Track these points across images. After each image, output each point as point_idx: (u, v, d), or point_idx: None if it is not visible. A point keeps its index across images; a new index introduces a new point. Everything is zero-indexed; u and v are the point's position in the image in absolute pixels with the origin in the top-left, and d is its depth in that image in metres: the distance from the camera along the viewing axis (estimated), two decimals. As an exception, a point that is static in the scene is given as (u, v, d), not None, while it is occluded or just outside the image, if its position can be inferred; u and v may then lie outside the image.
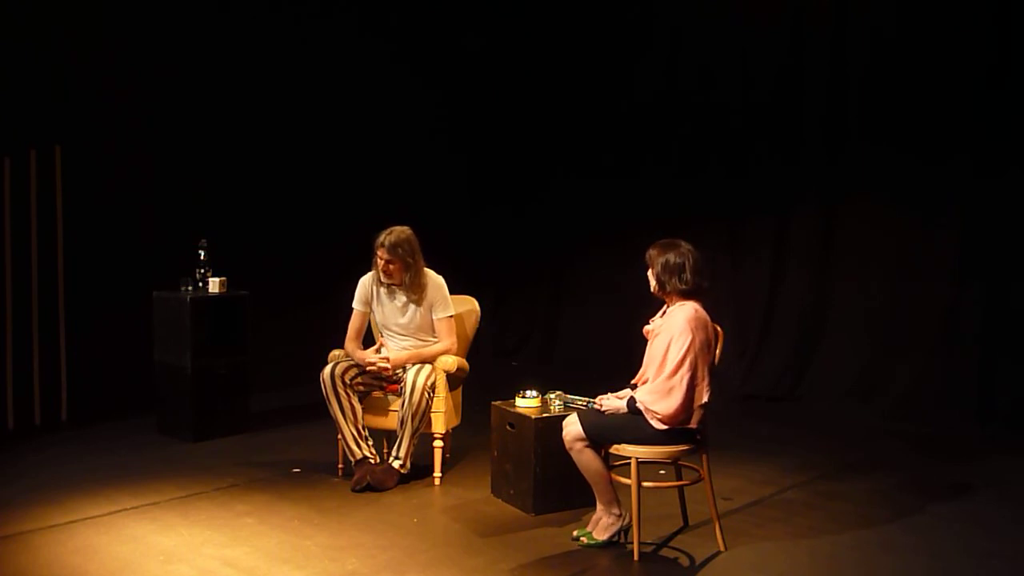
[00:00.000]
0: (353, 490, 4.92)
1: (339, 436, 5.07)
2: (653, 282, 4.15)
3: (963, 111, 6.37)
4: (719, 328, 4.19)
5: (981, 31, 6.28)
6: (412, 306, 5.14)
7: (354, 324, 5.24)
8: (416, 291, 5.12)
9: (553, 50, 8.52)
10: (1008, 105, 6.18)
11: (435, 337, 5.18)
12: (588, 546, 4.20)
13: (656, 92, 7.83)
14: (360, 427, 5.05)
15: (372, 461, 5.04)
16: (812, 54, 7.03)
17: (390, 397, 5.11)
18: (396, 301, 5.16)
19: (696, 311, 4.06)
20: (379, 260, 5.06)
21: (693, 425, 4.06)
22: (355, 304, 5.26)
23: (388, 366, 5.06)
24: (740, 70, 7.38)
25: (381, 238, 5.06)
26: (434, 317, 5.16)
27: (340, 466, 5.23)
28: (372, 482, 4.93)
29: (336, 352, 5.26)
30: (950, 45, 6.38)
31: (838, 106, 6.92)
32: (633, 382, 4.23)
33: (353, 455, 5.04)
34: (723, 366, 4.26)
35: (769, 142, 7.25)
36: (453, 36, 8.80)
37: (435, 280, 5.19)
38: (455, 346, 5.18)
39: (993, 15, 6.23)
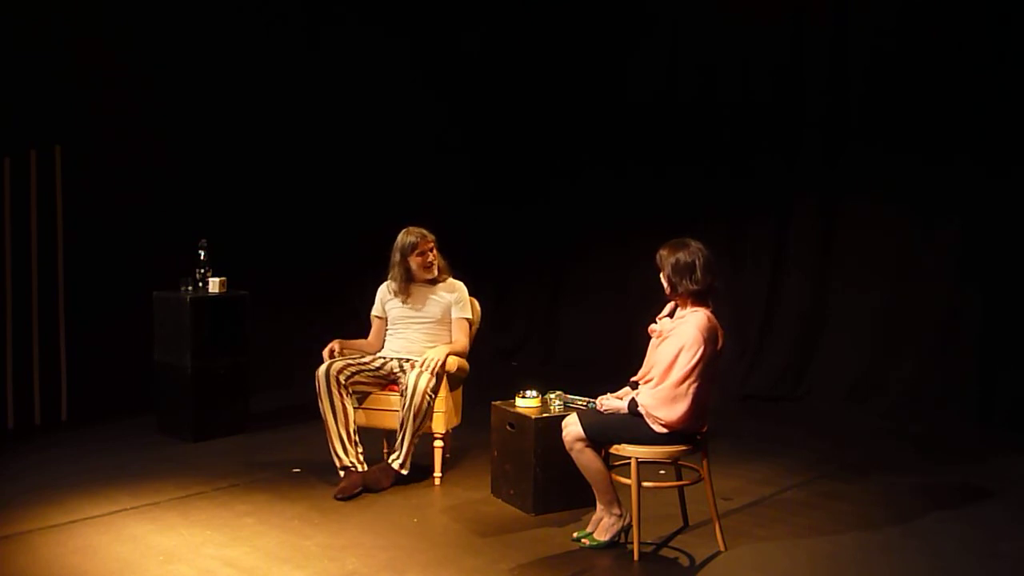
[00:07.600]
0: (336, 498, 4.81)
1: (327, 438, 4.97)
2: (665, 284, 4.13)
3: (964, 112, 6.37)
4: (721, 330, 4.17)
5: (982, 31, 6.28)
6: (437, 300, 5.20)
7: (376, 330, 5.36)
8: (444, 285, 5.21)
9: (553, 50, 8.52)
10: (1009, 105, 6.17)
11: (447, 332, 5.22)
12: (589, 547, 4.19)
13: (656, 92, 7.83)
14: (350, 431, 4.95)
15: (358, 470, 4.92)
16: (812, 54, 7.04)
17: (392, 397, 5.07)
18: (420, 296, 5.20)
19: (709, 320, 4.02)
20: (420, 253, 5.12)
21: (694, 428, 4.06)
22: (374, 312, 5.34)
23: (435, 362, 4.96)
24: (740, 70, 7.38)
25: (411, 237, 5.13)
26: (453, 315, 5.21)
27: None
28: (367, 483, 4.87)
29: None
30: (951, 45, 6.38)
31: (838, 106, 6.92)
32: (634, 380, 4.22)
33: (339, 460, 4.94)
34: (723, 366, 4.25)
35: (769, 142, 7.25)
36: (454, 36, 8.80)
37: (457, 282, 5.29)
38: (467, 348, 5.23)
39: (994, 15, 6.23)
